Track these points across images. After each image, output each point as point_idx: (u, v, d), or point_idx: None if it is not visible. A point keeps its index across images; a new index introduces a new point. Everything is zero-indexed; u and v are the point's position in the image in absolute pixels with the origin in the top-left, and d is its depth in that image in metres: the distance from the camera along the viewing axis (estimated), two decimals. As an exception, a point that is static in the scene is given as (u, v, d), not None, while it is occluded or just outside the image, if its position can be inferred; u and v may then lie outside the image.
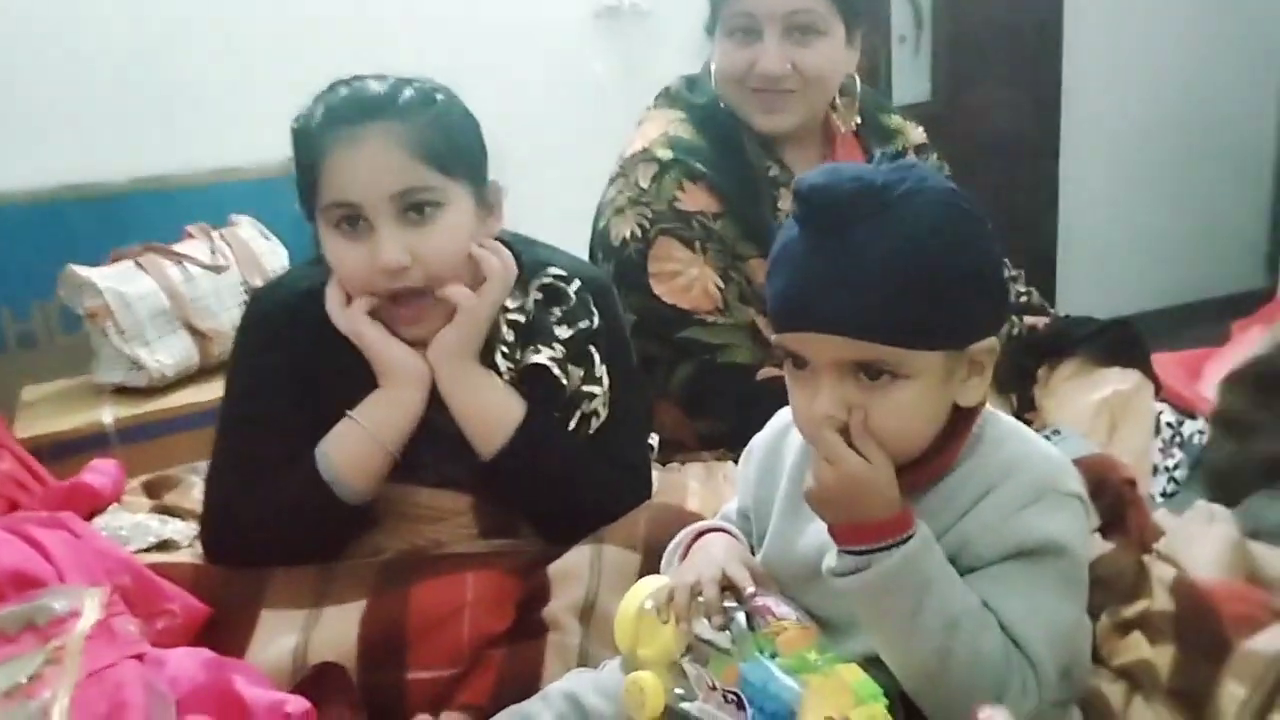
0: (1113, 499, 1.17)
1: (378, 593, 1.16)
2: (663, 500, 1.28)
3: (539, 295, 1.26)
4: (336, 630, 1.12)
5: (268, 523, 1.19)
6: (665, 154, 1.60)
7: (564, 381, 1.23)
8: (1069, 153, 3.56)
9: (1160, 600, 1.05)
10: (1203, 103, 3.59)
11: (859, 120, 1.76)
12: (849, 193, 0.82)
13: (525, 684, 1.04)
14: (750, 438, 1.43)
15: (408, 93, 1.19)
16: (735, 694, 0.85)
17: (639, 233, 1.57)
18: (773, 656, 0.85)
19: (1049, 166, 3.54)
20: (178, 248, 2.36)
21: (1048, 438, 1.29)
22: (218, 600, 1.17)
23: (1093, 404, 1.49)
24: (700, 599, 0.90)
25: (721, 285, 1.56)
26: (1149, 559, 1.13)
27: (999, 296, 0.88)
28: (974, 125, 3.30)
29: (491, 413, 1.21)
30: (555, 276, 1.27)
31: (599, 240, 1.65)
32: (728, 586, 0.92)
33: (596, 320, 1.26)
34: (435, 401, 1.22)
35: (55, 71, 2.45)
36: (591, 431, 1.25)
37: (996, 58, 3.52)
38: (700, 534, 1.03)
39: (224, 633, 1.14)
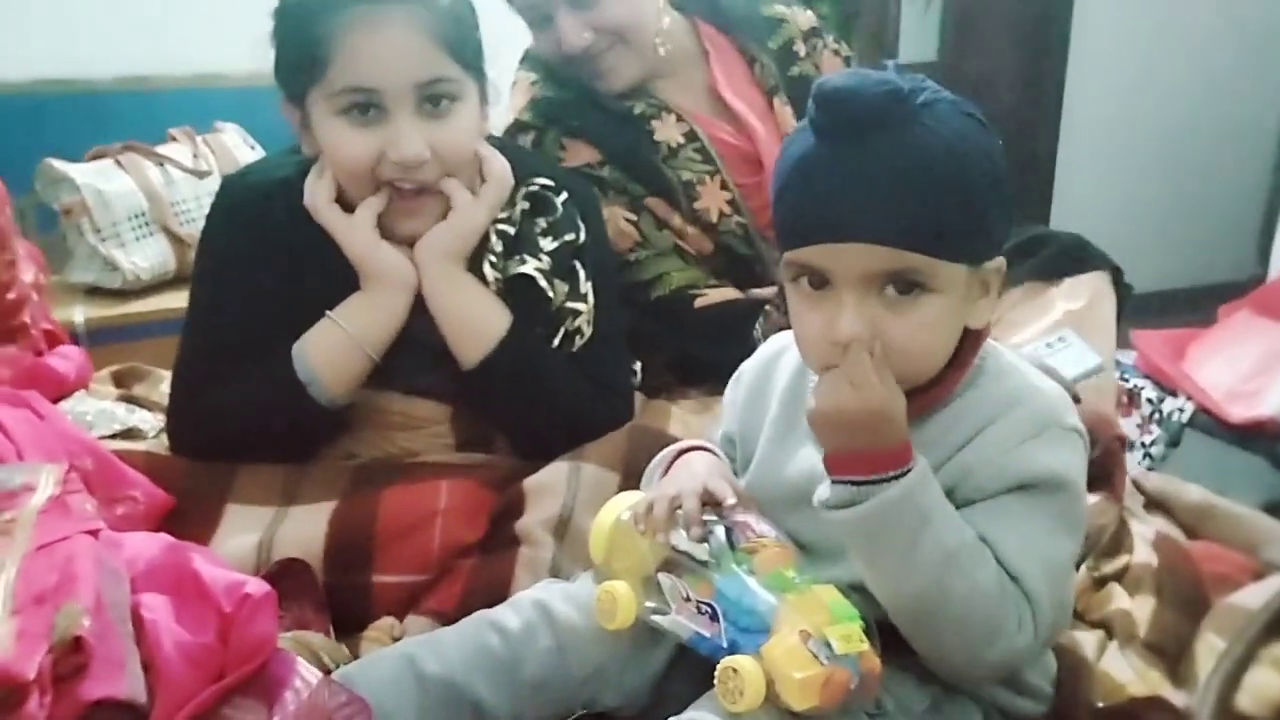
0: (1101, 454, 1.15)
1: (348, 495, 1.13)
2: (645, 423, 1.25)
3: (525, 205, 1.22)
4: (304, 529, 1.10)
5: (237, 417, 1.16)
6: (535, 119, 1.54)
7: (550, 294, 1.20)
8: (1069, 127, 3.54)
9: (1141, 554, 1.05)
10: (1208, 89, 3.56)
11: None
12: (877, 97, 0.78)
13: (494, 594, 1.01)
14: (692, 370, 1.38)
15: None
16: (710, 606, 0.84)
17: None
18: (750, 573, 0.84)
19: (1049, 139, 3.52)
20: (160, 149, 2.30)
21: (1051, 344, 1.25)
22: (183, 491, 1.14)
23: (1041, 330, 1.40)
24: (680, 510, 0.88)
25: (633, 217, 1.50)
26: (1129, 514, 1.12)
27: (1010, 212, 0.85)
28: (978, 91, 3.26)
29: (476, 320, 1.18)
30: (543, 186, 1.23)
31: None
32: (708, 502, 0.89)
33: (583, 234, 1.23)
34: (417, 307, 1.19)
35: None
36: (574, 349, 1.22)
37: (1005, 25, 3.49)
38: (682, 453, 1.01)
39: (187, 523, 1.11)
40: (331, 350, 1.16)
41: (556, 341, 1.21)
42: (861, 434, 0.80)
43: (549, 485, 1.13)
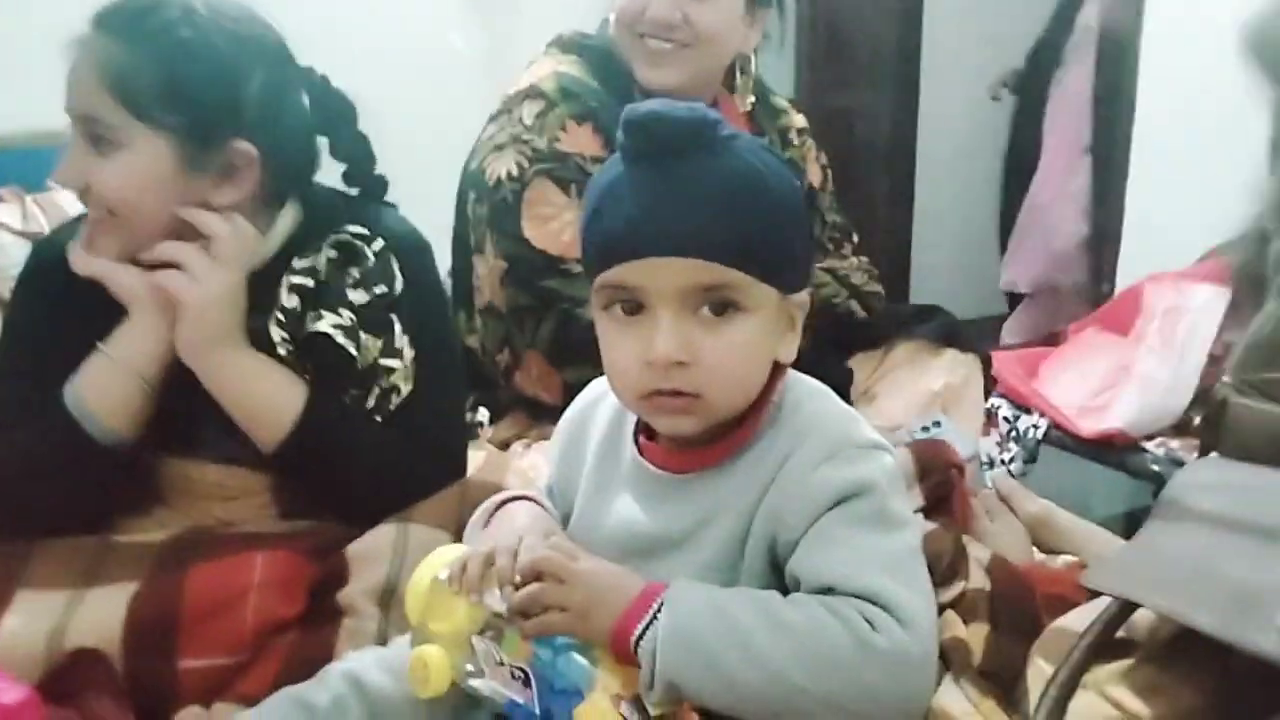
0: (939, 481, 1.15)
1: (151, 575, 1.05)
2: (482, 478, 1.20)
3: (333, 253, 1.15)
4: (100, 614, 1.01)
5: (17, 471, 1.08)
6: (553, 90, 1.54)
7: (353, 352, 1.13)
8: (925, 158, 3.64)
9: (976, 580, 1.04)
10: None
11: (753, 100, 1.74)
12: (687, 122, 0.81)
13: (313, 673, 0.93)
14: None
15: (160, 15, 1.07)
16: (523, 670, 0.79)
17: (515, 172, 1.50)
18: None
19: (905, 170, 3.61)
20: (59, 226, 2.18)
21: (927, 428, 1.28)
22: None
23: (924, 394, 1.47)
24: (493, 568, 0.83)
25: None
26: (967, 539, 1.11)
27: (811, 251, 0.88)
28: (836, 127, 3.34)
29: (264, 403, 1.12)
30: (353, 235, 1.16)
31: (471, 180, 1.57)
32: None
33: (398, 285, 1.16)
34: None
35: None
36: (392, 408, 1.15)
37: (858, 61, 3.57)
38: (506, 503, 0.96)
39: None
40: (101, 379, 1.10)
41: (372, 402, 1.15)
42: (604, 603, 0.79)
43: (374, 551, 1.06)
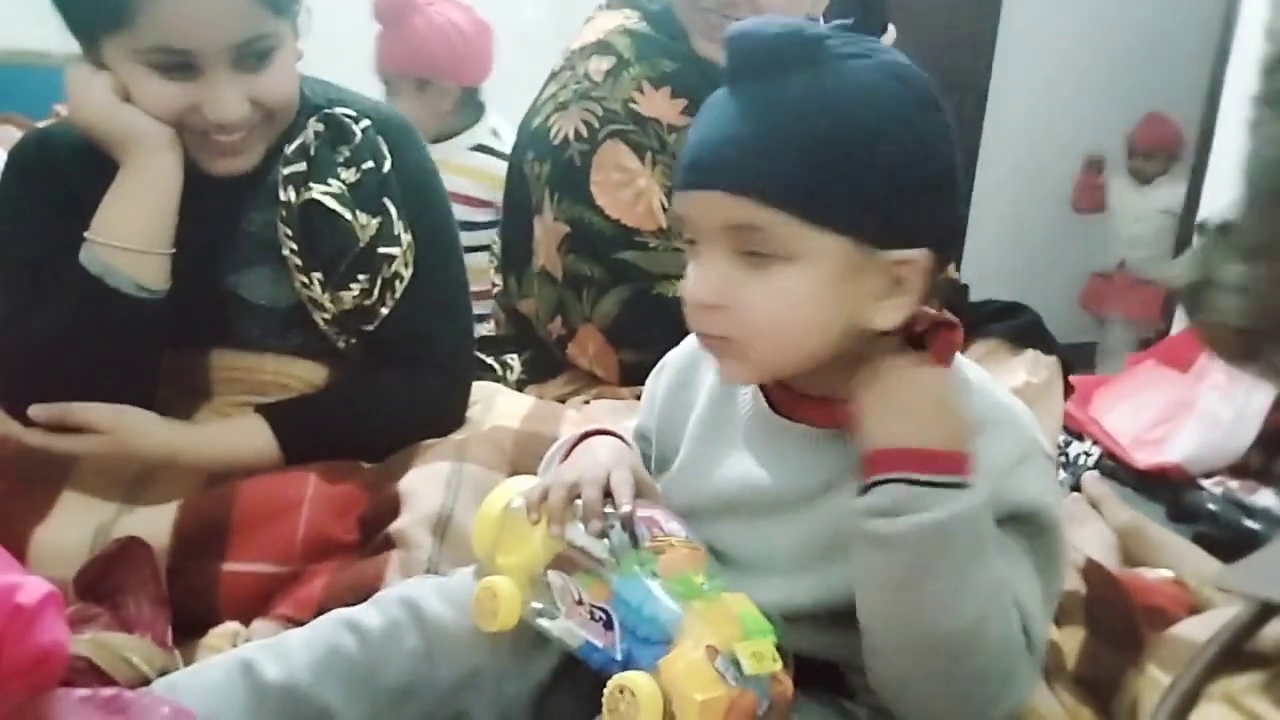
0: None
1: (203, 487, 1.02)
2: (533, 428, 1.14)
3: (319, 127, 1.11)
4: (149, 519, 0.97)
5: (51, 343, 1.03)
6: (625, 47, 1.42)
7: (348, 218, 1.08)
8: (983, 179, 3.58)
9: (1070, 582, 0.97)
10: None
11: None
12: (772, 37, 0.70)
13: (358, 601, 0.87)
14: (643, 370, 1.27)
15: None
16: (605, 611, 0.73)
17: (584, 132, 1.38)
18: (653, 575, 0.73)
19: (964, 187, 3.56)
20: (41, 124, 2.14)
21: None
22: (14, 474, 1.01)
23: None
24: (578, 500, 0.77)
25: (668, 205, 1.37)
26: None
27: (941, 204, 0.74)
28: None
29: (242, 452, 1.07)
30: (341, 113, 1.12)
31: (532, 139, 1.44)
32: (610, 494, 0.78)
33: (387, 164, 1.11)
34: (225, 271, 1.11)
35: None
36: (397, 296, 1.11)
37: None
38: (588, 436, 0.89)
39: (15, 508, 0.98)
40: (114, 227, 1.04)
41: (376, 294, 1.10)
42: (927, 427, 0.69)
43: (428, 485, 1.01)
